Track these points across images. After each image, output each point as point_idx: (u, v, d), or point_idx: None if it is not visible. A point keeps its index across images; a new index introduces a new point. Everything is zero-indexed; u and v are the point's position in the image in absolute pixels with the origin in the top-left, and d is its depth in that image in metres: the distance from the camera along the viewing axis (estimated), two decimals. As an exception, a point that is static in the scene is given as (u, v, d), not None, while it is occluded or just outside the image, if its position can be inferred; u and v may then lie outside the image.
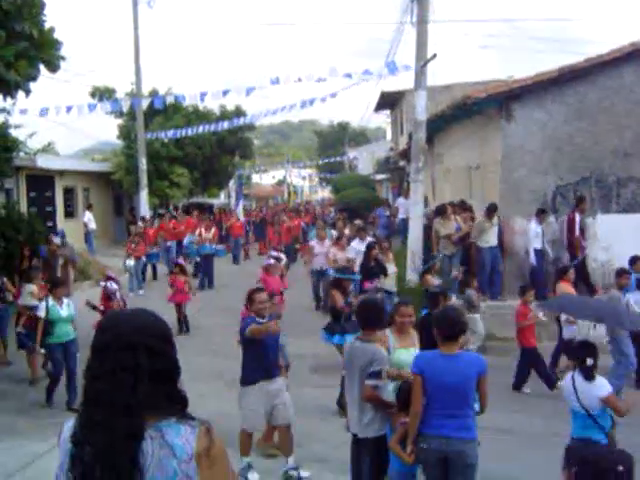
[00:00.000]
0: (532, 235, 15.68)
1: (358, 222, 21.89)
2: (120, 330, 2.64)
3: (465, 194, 18.96)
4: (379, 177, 44.83)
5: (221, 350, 13.66)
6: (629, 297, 12.79)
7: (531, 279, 15.49)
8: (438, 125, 20.53)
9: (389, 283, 15.03)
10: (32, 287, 13.19)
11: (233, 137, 39.26)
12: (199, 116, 35.69)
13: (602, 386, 6.66)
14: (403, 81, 19.60)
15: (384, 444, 6.76)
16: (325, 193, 74.16)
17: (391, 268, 15.31)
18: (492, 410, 7.10)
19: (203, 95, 23.65)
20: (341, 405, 9.85)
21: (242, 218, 32.06)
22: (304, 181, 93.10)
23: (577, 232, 15.70)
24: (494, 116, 16.60)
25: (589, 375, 6.71)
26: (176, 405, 2.66)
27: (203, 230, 23.22)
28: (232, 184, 47.60)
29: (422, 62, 17.00)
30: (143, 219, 26.66)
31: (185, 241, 24.53)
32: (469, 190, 19.09)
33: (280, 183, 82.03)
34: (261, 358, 8.28)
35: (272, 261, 15.17)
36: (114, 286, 13.38)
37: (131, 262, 21.14)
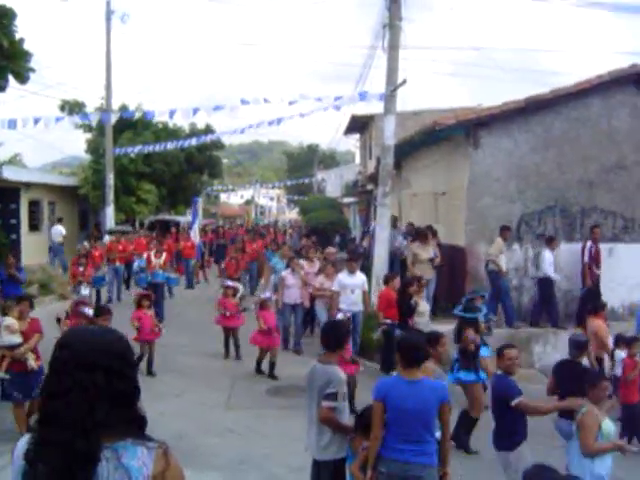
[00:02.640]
0: (546, 264, 15.79)
1: (330, 250, 19.62)
2: (79, 348, 2.57)
3: (431, 219, 19.05)
4: (347, 200, 44.93)
5: (183, 370, 13.57)
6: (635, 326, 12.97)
7: (541, 308, 15.88)
8: (406, 150, 20.65)
9: (423, 321, 13.88)
10: (9, 320, 10.23)
11: (202, 155, 39.25)
12: (168, 133, 35.63)
13: None
14: (373, 105, 19.76)
15: (342, 467, 6.73)
16: (293, 214, 74.19)
17: (423, 306, 14.11)
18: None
19: (172, 112, 23.58)
20: None
21: (197, 239, 29.12)
22: (272, 202, 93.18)
23: (587, 259, 16.02)
24: (462, 143, 16.75)
25: None
26: (134, 426, 2.62)
27: (152, 256, 20.25)
28: (200, 202, 47.46)
29: (392, 87, 17.12)
30: (94, 238, 25.00)
31: (134, 267, 22.20)
32: (435, 215, 19.19)
33: (248, 203, 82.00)
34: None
35: (268, 294, 15.03)
36: (89, 311, 11.56)
37: (86, 291, 18.35)
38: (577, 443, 6.93)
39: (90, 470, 2.45)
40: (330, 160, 74.82)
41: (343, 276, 15.11)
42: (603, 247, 16.32)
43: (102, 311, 10.72)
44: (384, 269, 16.99)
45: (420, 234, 16.65)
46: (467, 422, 10.26)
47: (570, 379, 8.47)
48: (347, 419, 6.76)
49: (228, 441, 10.20)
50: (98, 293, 20.91)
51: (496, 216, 16.26)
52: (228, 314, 15.02)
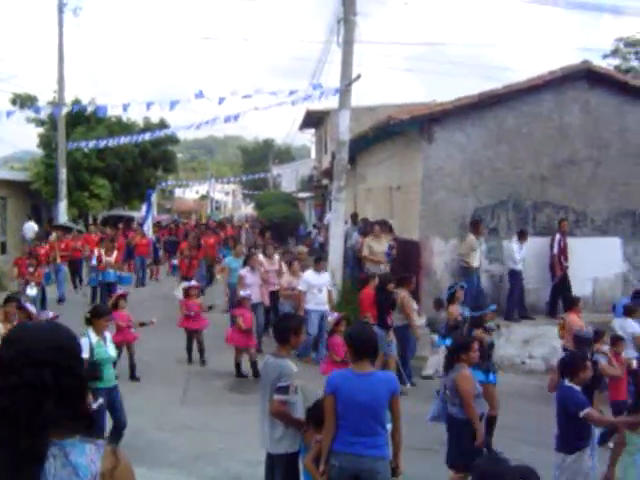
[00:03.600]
0: (515, 257, 16.09)
1: (301, 248, 19.41)
2: (26, 345, 2.51)
3: (386, 214, 19.15)
4: (302, 195, 44.99)
5: (138, 366, 13.43)
6: (615, 322, 13.18)
7: (510, 301, 16.08)
8: (361, 145, 20.72)
9: (421, 321, 14.26)
10: None
11: (156, 150, 38.89)
12: (122, 127, 35.25)
13: None
14: (328, 101, 19.78)
15: (296, 461, 6.77)
16: (249, 209, 73.97)
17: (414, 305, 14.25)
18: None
19: (126, 106, 23.34)
20: None
21: (151, 235, 28.01)
22: (228, 197, 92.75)
23: (555, 251, 16.36)
24: (416, 138, 16.83)
25: None
26: (82, 423, 2.58)
27: (103, 253, 19.43)
28: (154, 197, 47.04)
29: (347, 82, 17.16)
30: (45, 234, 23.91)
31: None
32: (390, 210, 19.28)
33: (203, 198, 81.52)
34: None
35: (244, 293, 14.54)
36: (32, 308, 11.50)
37: (33, 291, 17.63)
38: None
39: (37, 468, 2.41)
40: (286, 155, 74.81)
41: (310, 275, 14.97)
42: (512, 242, 16.47)
43: (101, 312, 9.71)
44: (339, 263, 17.06)
45: (373, 228, 16.79)
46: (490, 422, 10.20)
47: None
48: (301, 413, 6.77)
49: (183, 437, 10.17)
50: (44, 292, 19.39)
51: (450, 210, 16.39)
52: (192, 314, 14.45)
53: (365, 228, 18.40)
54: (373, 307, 13.67)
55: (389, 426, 6.31)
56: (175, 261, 24.45)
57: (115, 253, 19.83)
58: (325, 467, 6.23)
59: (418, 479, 8.59)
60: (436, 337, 13.49)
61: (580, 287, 16.73)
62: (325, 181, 31.27)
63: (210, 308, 15.23)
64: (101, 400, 8.56)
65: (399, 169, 18.47)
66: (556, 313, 16.27)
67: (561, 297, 16.37)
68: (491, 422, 10.18)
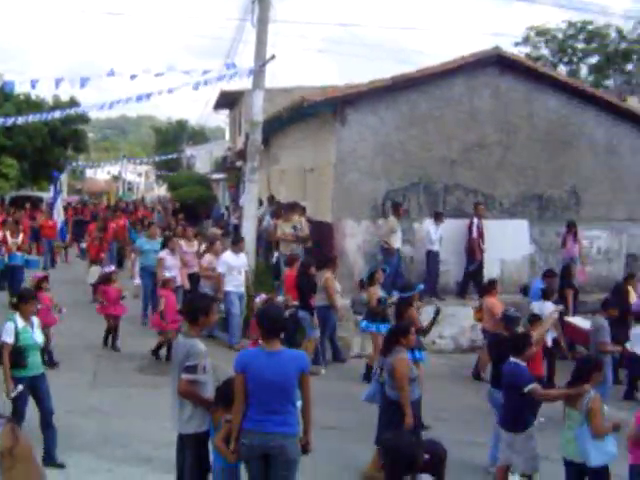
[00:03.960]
0: (432, 237, 16.40)
1: (214, 230, 19.64)
2: None
3: (300, 196, 19.17)
4: (216, 176, 44.58)
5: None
6: (534, 305, 13.54)
7: (427, 281, 16.16)
8: (275, 127, 20.66)
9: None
10: None
11: (66, 129, 38.06)
12: (30, 105, 34.35)
13: None
14: (243, 81, 19.60)
15: (205, 441, 6.78)
16: (162, 191, 73.03)
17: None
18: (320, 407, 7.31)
19: (35, 83, 22.65)
20: None
21: (61, 217, 26.76)
22: (140, 178, 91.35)
23: (475, 235, 16.66)
24: (329, 120, 16.86)
25: None
26: None
27: (8, 235, 18.05)
28: (64, 177, 46.00)
29: (261, 62, 17.05)
30: None
31: None
32: (303, 192, 19.31)
33: (115, 179, 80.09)
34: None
35: (169, 275, 14.44)
36: None
37: None
38: (586, 428, 7.35)
39: None
40: (200, 136, 73.98)
41: (229, 257, 14.83)
42: (463, 224, 16.89)
43: (28, 296, 9.05)
44: (253, 245, 17.00)
45: (282, 210, 16.86)
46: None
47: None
48: (210, 392, 6.76)
49: (93, 420, 10.04)
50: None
51: (362, 192, 16.50)
52: (106, 301, 14.13)
53: (277, 210, 18.40)
54: (295, 289, 13.83)
55: (299, 403, 6.36)
56: (84, 244, 23.65)
57: (21, 235, 18.74)
58: (235, 445, 6.25)
59: (329, 456, 8.71)
60: (362, 322, 13.60)
61: (488, 269, 17.13)
62: (239, 162, 31.06)
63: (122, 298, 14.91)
64: (20, 387, 8.26)
65: (312, 151, 18.50)
66: (466, 295, 16.67)
67: (473, 280, 16.75)
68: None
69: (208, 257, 15.55)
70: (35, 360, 8.58)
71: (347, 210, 16.50)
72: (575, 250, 17.25)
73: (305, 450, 6.41)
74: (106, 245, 21.41)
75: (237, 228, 22.50)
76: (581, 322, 14.87)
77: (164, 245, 16.01)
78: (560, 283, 16.04)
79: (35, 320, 8.86)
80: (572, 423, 7.60)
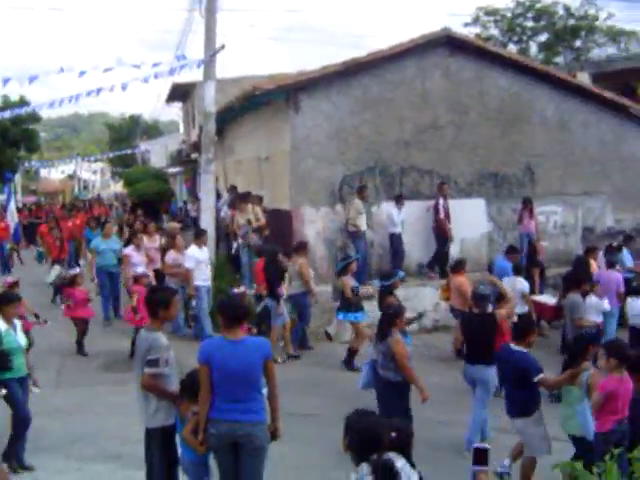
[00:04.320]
0: (394, 220, 16.47)
1: (173, 225, 19.03)
2: None
3: (256, 185, 19.13)
4: (172, 170, 44.23)
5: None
6: (505, 281, 13.70)
7: (393, 263, 16.34)
8: (228, 117, 20.57)
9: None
10: None
11: (17, 129, 37.52)
12: (-22, 106, 33.84)
13: None
14: (194, 73, 19.45)
15: (172, 434, 6.76)
16: (118, 187, 72.28)
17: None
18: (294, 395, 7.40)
19: (-20, 83, 22.22)
20: None
21: (14, 219, 26.25)
22: (96, 175, 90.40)
23: (442, 215, 16.78)
24: (282, 108, 16.81)
25: None
26: None
27: None
28: (18, 178, 45.39)
29: (211, 52, 16.96)
30: None
31: None
32: (260, 181, 19.26)
33: (70, 178, 79.21)
34: None
35: (140, 270, 14.26)
36: None
37: None
38: (586, 403, 7.77)
39: None
40: (154, 130, 73.35)
41: (195, 251, 14.69)
42: (421, 205, 16.99)
43: (10, 299, 8.93)
44: (212, 237, 16.93)
45: (238, 200, 16.85)
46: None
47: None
48: (174, 385, 6.74)
49: (59, 420, 10.00)
50: None
51: (319, 178, 16.50)
52: (72, 304, 13.85)
53: (233, 201, 18.34)
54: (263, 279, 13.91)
55: (265, 391, 6.36)
56: (40, 248, 23.12)
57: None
58: (204, 436, 6.24)
59: (300, 442, 8.74)
60: (339, 312, 13.71)
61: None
62: (194, 155, 30.84)
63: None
64: (4, 391, 8.18)
65: (267, 139, 18.45)
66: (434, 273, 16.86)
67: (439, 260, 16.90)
68: None
69: (172, 254, 15.25)
70: (19, 362, 8.48)
71: (305, 197, 16.49)
72: (531, 226, 17.46)
73: (274, 437, 6.44)
74: (67, 244, 21.22)
75: (196, 221, 22.40)
76: (545, 298, 15.11)
77: (128, 242, 15.83)
78: (527, 261, 16.31)
79: (17, 323, 8.76)
80: (572, 400, 7.91)
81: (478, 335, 9.71)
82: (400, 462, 4.77)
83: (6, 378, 8.28)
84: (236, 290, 12.31)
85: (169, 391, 6.69)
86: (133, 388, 7.15)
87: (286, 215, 16.67)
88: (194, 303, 14.39)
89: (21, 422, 8.42)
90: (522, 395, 8.10)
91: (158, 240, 16.82)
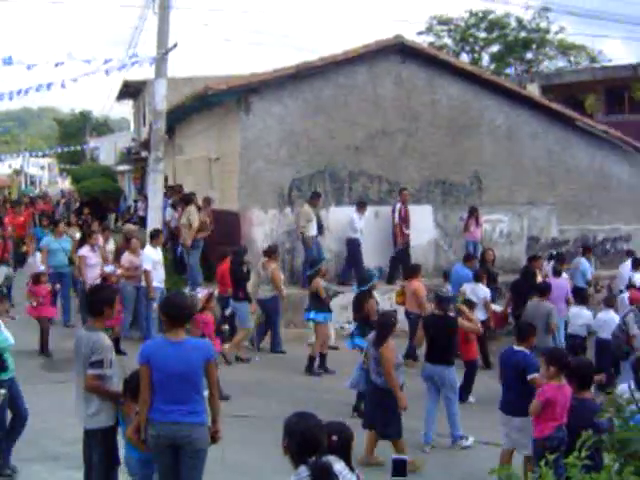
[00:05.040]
0: (355, 226, 16.49)
1: (130, 227, 18.48)
2: None
3: (205, 185, 19.04)
4: (121, 168, 43.82)
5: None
6: (466, 287, 14.08)
7: (349, 267, 16.55)
8: (179, 116, 20.45)
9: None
10: None
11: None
12: None
13: None
14: (147, 70, 19.26)
15: (112, 435, 6.67)
16: (66, 184, 71.35)
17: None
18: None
19: None
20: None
21: None
22: (43, 171, 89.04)
23: (397, 220, 16.92)
24: (233, 109, 16.78)
25: None
26: None
27: None
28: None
29: (163, 50, 16.82)
30: None
31: None
32: (209, 181, 19.17)
33: (17, 173, 77.89)
34: None
35: (111, 268, 14.07)
36: None
37: None
38: None
39: None
40: (104, 127, 72.56)
41: (151, 252, 14.39)
42: (370, 210, 17.04)
43: None
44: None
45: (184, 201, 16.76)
46: None
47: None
48: (116, 385, 6.66)
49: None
50: None
51: (268, 181, 16.50)
52: (41, 301, 13.48)
53: (175, 201, 18.20)
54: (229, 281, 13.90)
55: (206, 393, 6.33)
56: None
57: None
58: (145, 437, 6.21)
59: (241, 444, 8.70)
60: (309, 312, 13.74)
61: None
62: (144, 153, 30.62)
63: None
64: (3, 391, 7.92)
65: (218, 140, 18.39)
66: (395, 280, 16.91)
67: (400, 264, 17.03)
68: None
69: (127, 256, 14.65)
70: (11, 361, 8.29)
71: (253, 199, 16.48)
72: (478, 234, 17.67)
73: (215, 439, 6.40)
74: (10, 243, 19.81)
75: (144, 220, 22.17)
76: (494, 306, 15.32)
77: (82, 241, 15.35)
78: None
79: (1, 322, 8.52)
80: None
81: (439, 336, 10.09)
82: (339, 465, 4.76)
83: (5, 379, 8.05)
84: (201, 293, 12.17)
85: (112, 392, 6.62)
86: (72, 387, 7.05)
87: (235, 217, 16.62)
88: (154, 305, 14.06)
89: (22, 421, 8.30)
90: (526, 393, 8.31)
91: (111, 241, 16.46)
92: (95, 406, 6.56)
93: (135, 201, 33.31)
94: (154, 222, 16.87)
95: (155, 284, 14.15)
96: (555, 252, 17.99)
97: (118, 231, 22.43)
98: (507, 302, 15.42)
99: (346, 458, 5.00)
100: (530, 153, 19.27)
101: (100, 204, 32.08)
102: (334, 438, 4.96)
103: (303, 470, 4.57)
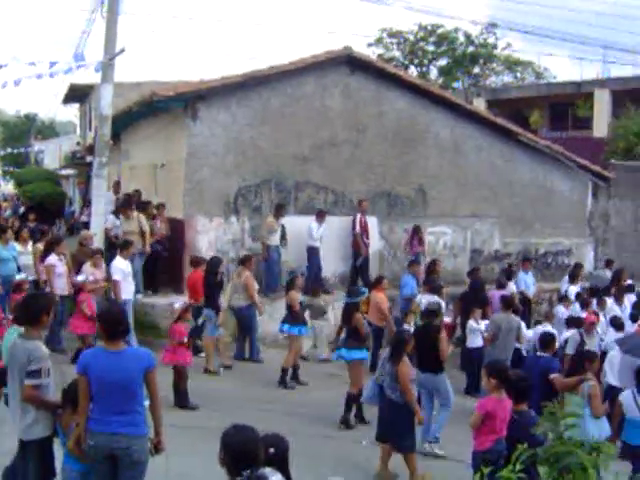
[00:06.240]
0: (313, 234, 16.60)
1: (86, 233, 17.39)
2: None
3: (151, 192, 18.87)
4: (65, 172, 43.21)
5: None
6: (420, 298, 14.41)
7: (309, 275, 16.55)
8: (126, 121, 20.25)
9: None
10: None
11: None
12: None
13: None
14: (93, 74, 19.00)
15: (49, 446, 6.56)
16: (9, 187, 70.07)
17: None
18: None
19: None
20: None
21: None
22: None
23: (357, 230, 17.06)
24: (180, 116, 16.67)
25: None
26: None
27: None
28: None
29: (110, 55, 16.66)
30: None
31: None
32: (154, 188, 19.02)
33: (-43, 176, 76.28)
34: None
35: (83, 276, 13.47)
36: None
37: None
38: (587, 410, 9.04)
39: None
40: (49, 130, 71.50)
41: (121, 263, 14.01)
42: (310, 221, 16.99)
43: None
44: (101, 245, 16.45)
45: (123, 207, 16.58)
46: (350, 398, 11.36)
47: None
48: (53, 394, 6.57)
49: None
50: None
51: (214, 188, 16.42)
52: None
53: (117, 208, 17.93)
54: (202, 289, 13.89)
55: (147, 403, 6.27)
56: None
57: None
58: (83, 447, 6.12)
59: (184, 455, 8.62)
60: (283, 325, 13.88)
61: (341, 265, 17.51)
62: (90, 158, 30.24)
63: None
64: None
65: (164, 146, 18.25)
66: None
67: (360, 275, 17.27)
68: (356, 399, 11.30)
69: (88, 269, 13.93)
70: None
71: (198, 206, 16.39)
72: (419, 250, 17.89)
73: (157, 450, 6.35)
74: None
75: (87, 226, 21.86)
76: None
77: (48, 249, 14.57)
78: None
79: None
80: (573, 407, 8.48)
81: (424, 346, 10.58)
82: (275, 477, 4.76)
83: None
84: (178, 304, 12.04)
85: (50, 402, 6.51)
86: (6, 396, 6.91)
87: (179, 224, 16.52)
88: None
89: None
90: (550, 394, 8.92)
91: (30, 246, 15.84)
92: (31, 416, 6.44)
93: (82, 206, 32.71)
94: (97, 228, 16.66)
95: (124, 296, 13.74)
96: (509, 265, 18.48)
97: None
98: (455, 313, 15.72)
99: (283, 470, 5.00)
100: (474, 167, 19.50)
101: (46, 209, 31.61)
102: (271, 450, 4.96)
103: (239, 483, 4.57)
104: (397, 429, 9.19)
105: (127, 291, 13.91)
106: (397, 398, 9.22)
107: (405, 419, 9.24)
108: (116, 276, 13.75)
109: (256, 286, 14.66)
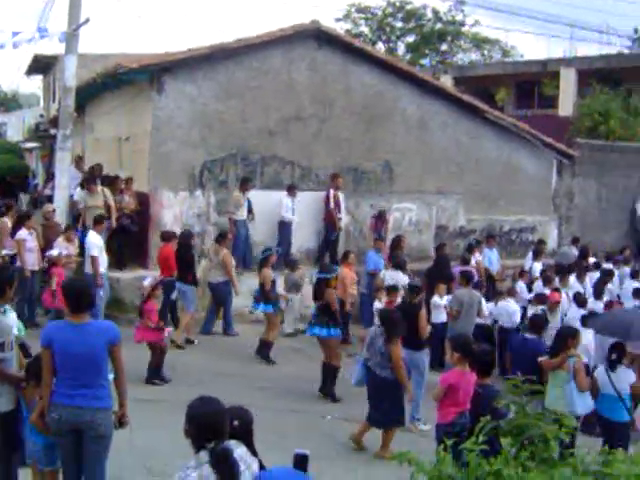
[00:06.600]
0: (287, 209, 16.74)
1: (49, 207, 17.04)
2: None
3: (116, 165, 18.68)
4: (29, 145, 42.58)
5: None
6: (385, 274, 14.72)
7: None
8: (90, 93, 19.96)
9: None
10: None
11: None
12: None
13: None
14: (58, 45, 18.71)
15: (12, 420, 6.55)
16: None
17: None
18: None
19: None
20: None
21: None
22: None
23: (332, 206, 17.09)
24: (145, 88, 16.49)
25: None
26: None
27: None
28: None
29: (74, 26, 16.42)
30: None
31: None
32: (119, 161, 18.83)
33: None
34: None
35: (58, 251, 13.40)
36: None
37: None
38: (572, 384, 9.40)
39: None
40: (12, 102, 70.47)
41: (96, 238, 13.93)
42: (282, 195, 17.01)
43: None
44: (63, 218, 16.28)
45: (87, 181, 16.38)
46: (330, 372, 11.58)
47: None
48: (14, 368, 6.55)
49: None
50: None
51: (179, 162, 16.29)
52: None
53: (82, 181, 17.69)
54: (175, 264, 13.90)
55: (111, 376, 6.24)
56: None
57: None
58: (47, 420, 6.12)
59: (149, 428, 8.62)
60: (257, 304, 13.96)
61: (307, 240, 17.51)
62: (53, 130, 29.85)
63: None
64: None
65: (128, 119, 18.05)
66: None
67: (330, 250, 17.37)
68: (335, 372, 11.65)
69: (62, 243, 14.04)
70: None
71: (164, 180, 16.26)
72: (382, 230, 17.97)
73: (121, 423, 6.35)
74: None
75: (51, 199, 21.61)
76: None
77: (18, 224, 14.43)
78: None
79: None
80: (559, 382, 9.44)
81: (407, 322, 10.52)
82: (240, 450, 4.76)
83: None
84: (147, 280, 11.93)
85: (13, 375, 6.50)
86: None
87: (145, 197, 16.39)
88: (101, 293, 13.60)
89: None
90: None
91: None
92: (-6, 390, 6.42)
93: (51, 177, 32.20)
94: (60, 202, 16.50)
95: (102, 270, 13.79)
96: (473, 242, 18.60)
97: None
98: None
99: (248, 443, 5.01)
100: (440, 143, 19.54)
101: (9, 183, 31.16)
102: (235, 423, 4.96)
103: (203, 455, 4.56)
104: (388, 405, 9.36)
105: (102, 266, 13.89)
106: (387, 374, 9.36)
107: (397, 395, 9.45)
108: (94, 251, 13.71)
109: (234, 263, 14.74)
